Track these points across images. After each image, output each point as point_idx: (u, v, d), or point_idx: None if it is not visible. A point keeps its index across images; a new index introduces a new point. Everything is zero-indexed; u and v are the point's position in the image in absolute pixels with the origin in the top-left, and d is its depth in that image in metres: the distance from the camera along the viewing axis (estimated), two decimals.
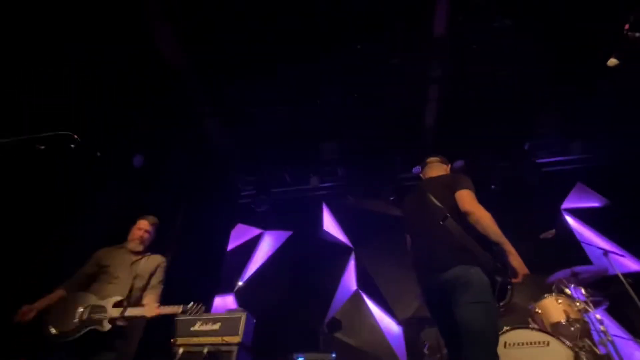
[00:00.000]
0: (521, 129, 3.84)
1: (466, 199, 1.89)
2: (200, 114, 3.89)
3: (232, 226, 5.21)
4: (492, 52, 3.34)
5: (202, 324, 2.97)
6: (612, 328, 3.18)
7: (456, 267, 1.76)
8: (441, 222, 1.87)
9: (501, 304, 2.34)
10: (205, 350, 2.71)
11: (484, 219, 1.80)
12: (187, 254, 4.20)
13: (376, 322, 4.07)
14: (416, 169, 4.13)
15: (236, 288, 4.68)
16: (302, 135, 4.02)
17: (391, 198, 4.55)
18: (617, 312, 3.13)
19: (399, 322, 3.99)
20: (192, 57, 3.36)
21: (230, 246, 5.09)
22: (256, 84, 3.59)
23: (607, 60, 2.99)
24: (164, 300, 2.28)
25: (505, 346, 2.45)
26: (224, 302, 4.54)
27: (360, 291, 4.32)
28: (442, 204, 1.93)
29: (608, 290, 2.96)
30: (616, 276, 2.88)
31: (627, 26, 2.86)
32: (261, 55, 3.26)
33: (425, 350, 3.30)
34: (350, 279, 4.47)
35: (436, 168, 2.33)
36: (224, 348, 2.76)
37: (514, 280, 1.76)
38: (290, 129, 3.95)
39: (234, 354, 2.72)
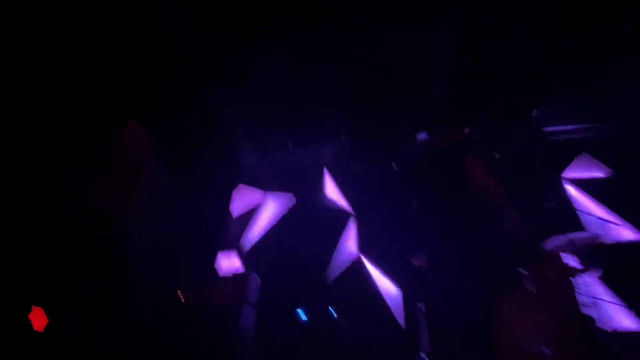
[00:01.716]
0: (531, 96, 3.76)
1: (472, 168, 1.90)
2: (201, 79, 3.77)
3: (234, 187, 5.23)
4: (503, 16, 3.20)
5: None
6: (601, 293, 3.30)
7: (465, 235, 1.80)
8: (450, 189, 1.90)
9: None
10: None
11: (490, 189, 1.82)
12: (189, 215, 4.28)
13: (376, 284, 4.23)
14: (421, 136, 4.11)
15: (241, 248, 4.80)
16: (307, 103, 3.95)
17: (395, 167, 4.55)
18: (610, 280, 3.23)
19: (398, 285, 4.15)
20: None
21: (232, 206, 5.14)
22: (259, 50, 3.47)
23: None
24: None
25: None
26: (230, 261, 4.67)
27: (360, 255, 4.44)
28: (451, 174, 1.95)
29: (602, 259, 3.06)
30: (612, 245, 2.96)
31: None
32: (266, 22, 3.12)
33: (422, 312, 3.46)
34: (351, 244, 4.58)
35: (446, 134, 2.28)
36: None
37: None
38: (294, 96, 3.87)
39: None
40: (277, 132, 4.71)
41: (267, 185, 5.08)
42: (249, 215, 5.06)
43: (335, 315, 4.06)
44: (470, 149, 2.03)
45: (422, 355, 3.02)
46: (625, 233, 3.35)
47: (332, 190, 4.98)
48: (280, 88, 3.88)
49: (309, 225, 4.66)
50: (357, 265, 4.36)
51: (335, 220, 4.71)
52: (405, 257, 4.06)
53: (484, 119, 3.37)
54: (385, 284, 4.18)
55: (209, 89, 4.01)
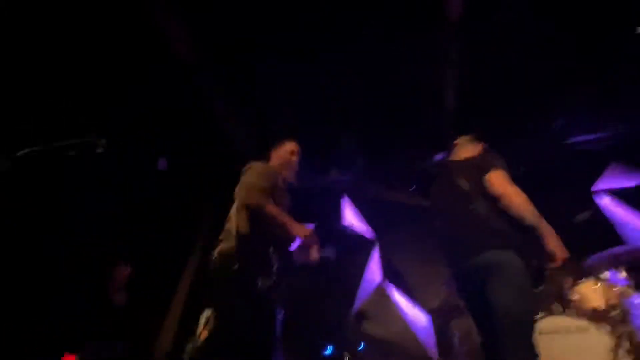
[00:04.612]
0: (549, 107, 3.67)
1: (497, 180, 1.80)
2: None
3: None
4: (513, 29, 3.20)
5: None
6: None
7: (488, 252, 1.69)
8: (470, 207, 1.81)
9: (538, 289, 2.26)
10: None
11: (517, 200, 1.71)
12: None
13: (403, 313, 4.04)
14: (438, 157, 4.05)
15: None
16: (319, 125, 3.98)
17: (412, 188, 4.47)
18: None
19: (427, 312, 3.94)
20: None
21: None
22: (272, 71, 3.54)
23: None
24: None
25: (540, 333, 2.37)
26: None
27: (385, 282, 4.29)
28: (471, 187, 1.86)
29: None
30: None
31: None
32: (280, 39, 3.19)
33: (456, 340, 3.25)
34: (374, 271, 4.45)
35: (466, 148, 2.21)
36: None
37: (551, 265, 1.68)
38: (307, 118, 3.91)
39: None
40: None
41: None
42: None
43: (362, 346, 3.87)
44: (491, 160, 1.93)
45: None
46: None
47: (351, 217, 4.92)
48: (292, 110, 3.92)
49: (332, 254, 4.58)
50: (382, 292, 4.20)
51: (356, 247, 4.62)
52: (432, 282, 3.89)
53: (501, 132, 3.29)
54: (413, 312, 3.99)
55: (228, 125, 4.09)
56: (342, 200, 5.01)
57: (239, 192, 1.95)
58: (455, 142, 2.28)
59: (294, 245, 1.91)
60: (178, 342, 3.34)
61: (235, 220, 1.91)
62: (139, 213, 3.74)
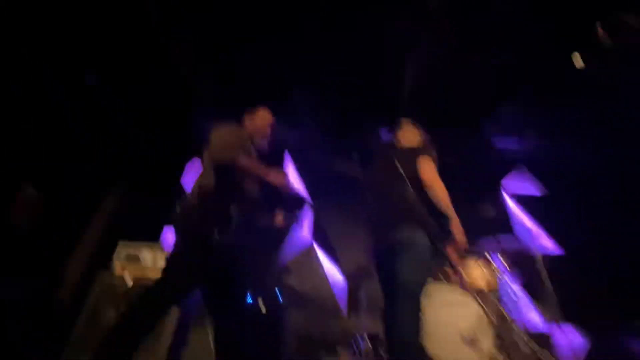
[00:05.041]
0: (485, 111, 4.06)
1: (426, 170, 2.06)
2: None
3: (187, 159, 5.08)
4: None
5: (150, 253, 2.88)
6: (518, 292, 3.69)
7: (405, 231, 1.96)
8: (401, 190, 2.04)
9: (435, 265, 2.64)
10: None
11: (438, 190, 2.00)
12: (141, 187, 4.14)
13: (323, 271, 4.38)
14: (384, 132, 4.25)
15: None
16: (275, 81, 3.93)
17: (355, 158, 4.66)
18: (529, 286, 3.62)
19: (344, 274, 4.33)
20: None
21: (185, 179, 5.00)
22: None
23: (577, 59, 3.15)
24: None
25: (426, 301, 2.79)
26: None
27: (313, 243, 4.56)
28: (405, 172, 2.09)
29: (524, 267, 3.45)
30: (534, 256, 3.37)
31: (599, 28, 3.01)
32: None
33: (363, 301, 3.66)
34: (304, 231, 4.68)
35: (409, 135, 2.43)
36: None
37: (452, 246, 2.00)
38: (265, 73, 3.83)
39: None
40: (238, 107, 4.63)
41: None
42: None
43: (281, 299, 4.14)
44: (426, 150, 2.20)
45: (360, 338, 3.22)
46: (546, 243, 3.79)
47: (292, 176, 5.01)
48: (250, 78, 3.84)
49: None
50: (308, 252, 4.48)
51: (291, 206, 4.75)
52: (352, 248, 4.25)
53: (440, 123, 3.58)
54: (332, 272, 4.35)
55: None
56: (284, 157, 5.04)
57: (211, 149, 1.97)
58: (400, 123, 2.48)
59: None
60: (87, 277, 3.22)
61: (204, 177, 1.96)
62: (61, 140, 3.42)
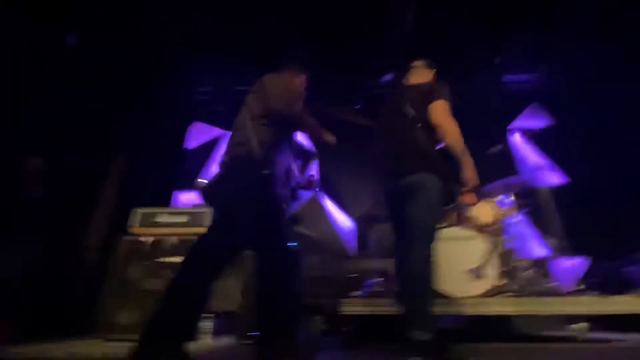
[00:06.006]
0: (493, 44, 3.84)
1: (438, 111, 1.99)
2: None
3: (188, 124, 5.00)
4: None
5: (167, 216, 2.98)
6: (526, 229, 3.84)
7: (416, 174, 1.96)
8: (411, 133, 2.00)
9: (447, 207, 2.70)
10: (176, 240, 2.85)
11: (450, 132, 1.95)
12: (144, 154, 4.11)
13: (331, 217, 4.50)
14: (386, 78, 4.09)
15: (199, 185, 4.75)
16: (266, 35, 3.70)
17: (357, 106, 4.55)
18: (536, 217, 3.74)
19: (353, 219, 4.46)
20: None
21: (189, 145, 4.96)
22: None
23: None
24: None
25: (439, 240, 2.92)
26: (188, 199, 4.65)
27: (320, 191, 4.62)
28: (416, 114, 2.03)
29: (531, 199, 3.53)
30: (541, 188, 3.43)
31: None
32: None
33: (372, 241, 3.83)
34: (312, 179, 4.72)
35: (420, 73, 2.32)
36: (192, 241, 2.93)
37: (463, 189, 2.01)
38: (253, 26, 3.57)
39: None
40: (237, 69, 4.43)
41: (227, 122, 4.88)
42: (206, 151, 4.92)
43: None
44: (438, 91, 2.08)
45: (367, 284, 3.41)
46: (553, 178, 3.83)
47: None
48: (240, 26, 3.56)
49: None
50: (315, 199, 4.56)
51: (298, 156, 4.74)
52: (360, 194, 4.33)
53: (446, 64, 3.43)
54: (340, 217, 4.47)
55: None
56: None
57: (272, 99, 1.85)
58: (411, 64, 2.36)
59: None
60: (108, 239, 3.32)
61: (252, 131, 1.86)
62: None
